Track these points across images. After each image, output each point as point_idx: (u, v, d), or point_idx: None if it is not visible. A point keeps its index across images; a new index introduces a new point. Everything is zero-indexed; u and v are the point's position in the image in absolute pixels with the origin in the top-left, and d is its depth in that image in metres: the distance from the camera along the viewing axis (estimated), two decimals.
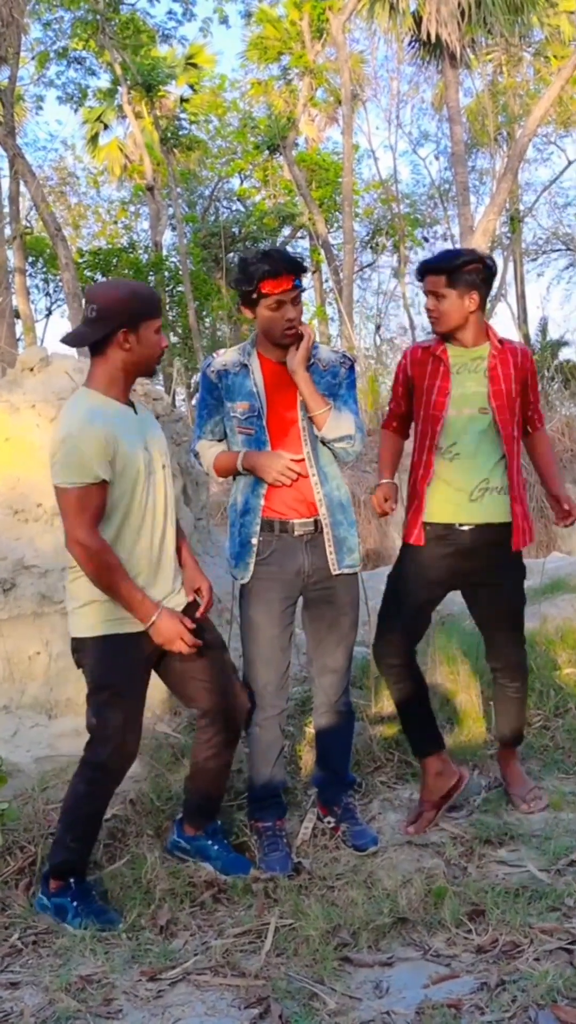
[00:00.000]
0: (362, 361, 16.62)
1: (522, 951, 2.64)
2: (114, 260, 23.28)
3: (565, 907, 2.87)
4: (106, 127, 24.88)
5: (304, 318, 3.39)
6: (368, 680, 4.53)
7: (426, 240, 26.79)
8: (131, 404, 3.07)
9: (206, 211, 26.82)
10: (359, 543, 3.49)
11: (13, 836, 3.35)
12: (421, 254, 25.57)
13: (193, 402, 14.93)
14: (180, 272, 23.37)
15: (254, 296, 3.22)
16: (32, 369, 4.72)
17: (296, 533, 3.33)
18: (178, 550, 3.22)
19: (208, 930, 2.97)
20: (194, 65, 24.08)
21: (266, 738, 3.42)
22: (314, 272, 24.19)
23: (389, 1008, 2.46)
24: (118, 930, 2.96)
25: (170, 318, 23.99)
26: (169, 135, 23.55)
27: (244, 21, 24.77)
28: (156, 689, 3.95)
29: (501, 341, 3.50)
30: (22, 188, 18.94)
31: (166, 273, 23.74)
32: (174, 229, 24.43)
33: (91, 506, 2.88)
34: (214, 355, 3.46)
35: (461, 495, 3.45)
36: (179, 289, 23.68)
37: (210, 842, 3.33)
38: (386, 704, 4.46)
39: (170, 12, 21.20)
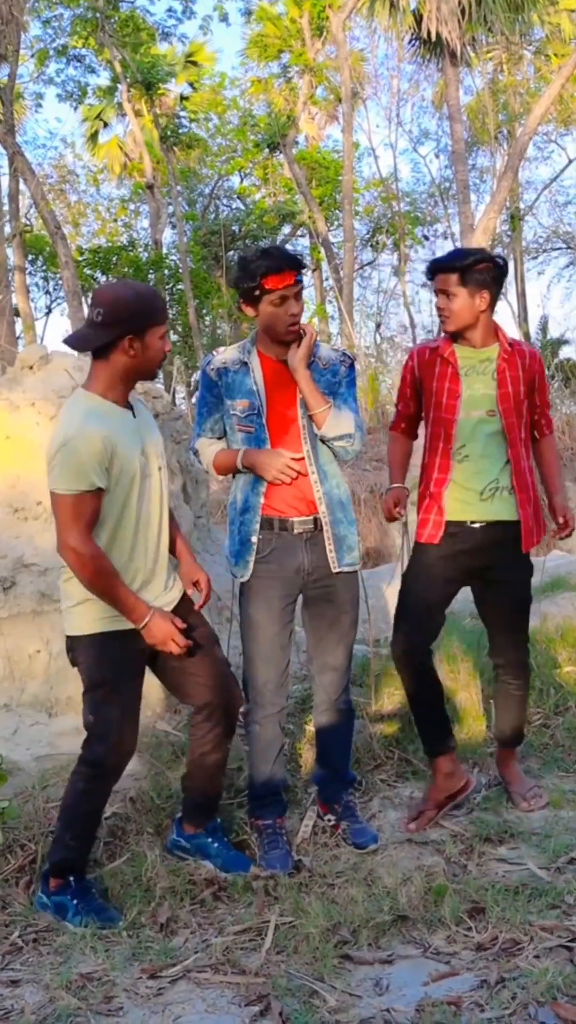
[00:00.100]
0: (362, 359, 16.63)
1: (522, 948, 2.64)
2: (114, 258, 23.28)
3: (565, 905, 2.88)
4: (106, 125, 24.87)
5: (304, 316, 3.39)
6: (368, 678, 4.53)
7: (426, 238, 26.81)
8: (129, 406, 3.05)
9: (206, 209, 26.82)
10: (359, 541, 3.49)
11: (13, 834, 3.35)
12: (421, 252, 25.62)
13: (193, 400, 14.92)
14: (180, 270, 23.37)
15: (257, 292, 3.21)
16: (32, 367, 4.72)
17: (296, 531, 3.33)
18: (173, 544, 3.22)
19: (208, 928, 2.98)
20: (194, 63, 24.07)
21: (266, 736, 3.42)
22: (314, 270, 24.18)
23: (389, 1005, 2.46)
24: (118, 928, 2.96)
25: (170, 316, 23.94)
26: (169, 133, 23.54)
27: (244, 19, 24.80)
28: (156, 687, 3.97)
29: (511, 344, 3.49)
30: (22, 186, 18.95)
31: (166, 271, 23.74)
32: (174, 227, 24.42)
33: (86, 513, 2.87)
34: (214, 353, 3.46)
35: (472, 494, 3.46)
36: (179, 287, 23.68)
37: (210, 840, 3.34)
38: (386, 702, 4.47)
39: (170, 10, 21.21)
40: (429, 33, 16.48)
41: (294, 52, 23.52)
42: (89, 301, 3.06)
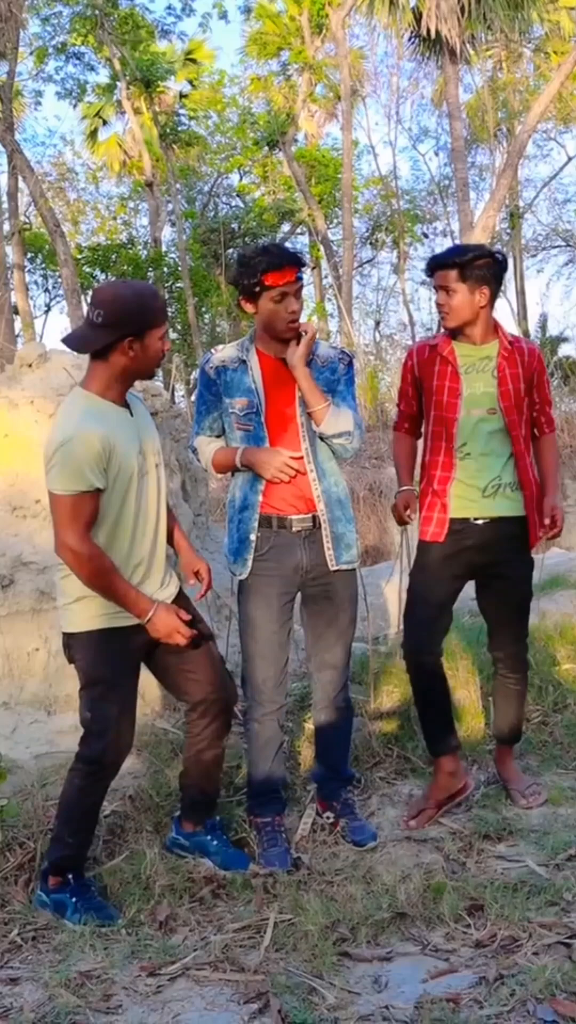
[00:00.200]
0: (361, 357, 16.61)
1: (521, 946, 2.65)
2: (113, 256, 23.26)
3: (564, 902, 2.88)
4: (105, 123, 24.84)
5: (303, 314, 3.39)
6: (367, 676, 4.54)
7: (425, 236, 26.77)
8: (126, 404, 3.05)
9: (205, 207, 26.77)
10: (357, 539, 3.49)
11: (12, 832, 3.35)
12: (420, 250, 25.59)
13: (192, 398, 14.92)
14: (179, 268, 23.35)
15: (257, 289, 3.21)
16: (31, 365, 4.72)
17: (294, 529, 3.33)
18: (170, 535, 3.22)
19: (207, 925, 2.98)
20: (193, 61, 24.05)
21: (265, 734, 3.42)
22: (313, 268, 24.15)
23: (388, 1002, 2.47)
24: (117, 926, 2.96)
25: (169, 314, 23.91)
26: (168, 131, 23.50)
27: (243, 16, 24.76)
28: (155, 685, 3.97)
29: (511, 341, 3.49)
30: (21, 184, 18.91)
31: (165, 269, 23.72)
32: (173, 225, 24.40)
33: (84, 513, 2.87)
34: (213, 351, 3.46)
35: (475, 491, 3.47)
36: (178, 285, 23.65)
37: (209, 837, 3.34)
38: (385, 700, 4.47)
39: (169, 7, 21.21)
40: (429, 31, 16.47)
41: (293, 50, 23.48)
42: (88, 300, 3.05)
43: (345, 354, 3.47)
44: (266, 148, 24.40)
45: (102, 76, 23.53)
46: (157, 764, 3.85)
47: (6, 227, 19.72)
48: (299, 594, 3.46)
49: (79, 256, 22.45)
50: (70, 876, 3.07)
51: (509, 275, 25.53)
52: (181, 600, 3.18)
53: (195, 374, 17.63)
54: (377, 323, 27.70)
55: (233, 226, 25.15)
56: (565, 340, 24.45)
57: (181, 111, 24.43)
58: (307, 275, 3.63)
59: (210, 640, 3.25)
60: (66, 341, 2.99)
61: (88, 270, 22.52)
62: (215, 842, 3.33)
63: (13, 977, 2.70)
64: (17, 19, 16.58)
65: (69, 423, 2.88)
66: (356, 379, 3.56)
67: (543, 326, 25.38)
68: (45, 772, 3.79)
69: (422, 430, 3.69)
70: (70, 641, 3.06)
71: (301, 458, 3.31)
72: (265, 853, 3.33)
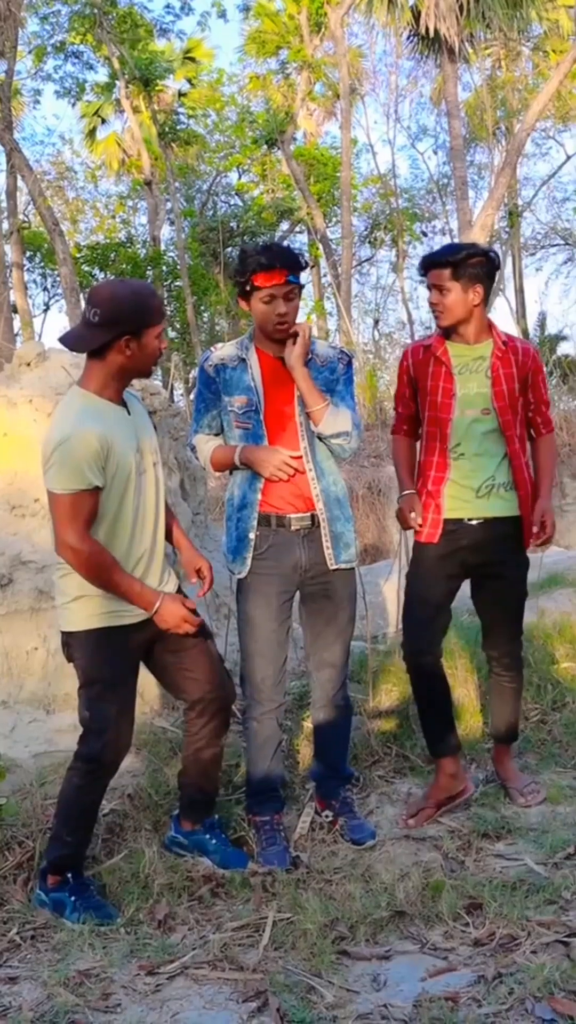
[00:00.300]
0: (360, 356, 16.62)
1: (519, 944, 2.65)
2: (112, 255, 23.24)
3: (562, 900, 2.88)
4: (104, 121, 24.84)
5: (302, 313, 3.39)
6: (366, 674, 4.54)
7: (424, 235, 26.76)
8: (123, 402, 3.04)
9: (204, 206, 26.76)
10: (356, 538, 3.49)
11: (11, 831, 3.35)
12: (420, 249, 25.55)
13: (191, 396, 14.93)
14: (178, 267, 23.34)
15: (248, 288, 3.22)
16: (29, 364, 4.72)
17: (293, 528, 3.33)
18: (169, 533, 3.22)
19: (206, 924, 2.98)
20: (192, 59, 24.04)
21: (264, 732, 3.42)
22: (312, 267, 24.14)
23: (387, 1001, 2.47)
24: (116, 925, 2.96)
25: (168, 313, 23.94)
26: (167, 129, 23.49)
27: (242, 15, 24.73)
28: (154, 683, 3.97)
29: (505, 342, 3.48)
30: (20, 183, 18.91)
31: (164, 268, 23.70)
32: (172, 224, 24.37)
33: (84, 512, 2.87)
34: (212, 349, 3.46)
35: (468, 491, 3.47)
36: (177, 284, 23.65)
37: (208, 836, 3.34)
38: (384, 698, 4.47)
39: (168, 6, 21.14)
40: (427, 29, 16.47)
41: (292, 48, 23.46)
42: (85, 299, 3.05)
43: (344, 354, 3.46)
44: (265, 147, 24.37)
45: (101, 75, 23.54)
46: (156, 763, 3.85)
47: (5, 226, 19.73)
48: (298, 593, 3.46)
49: (78, 255, 22.43)
50: (69, 875, 3.07)
51: (508, 274, 25.66)
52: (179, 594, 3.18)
53: (194, 372, 17.64)
54: (376, 322, 27.72)
55: (232, 225, 25.14)
56: (564, 339, 24.49)
57: (180, 110, 24.42)
58: (305, 275, 3.61)
59: (209, 639, 3.25)
60: (63, 340, 2.98)
61: (87, 269, 22.51)
62: (214, 841, 3.33)
63: (12, 976, 2.70)
64: (16, 18, 16.57)
65: (66, 422, 2.88)
66: (355, 378, 3.55)
67: (542, 324, 25.42)
68: (44, 771, 3.79)
69: (421, 431, 3.69)
70: (69, 640, 3.06)
71: (300, 457, 3.31)
72: (264, 852, 3.33)
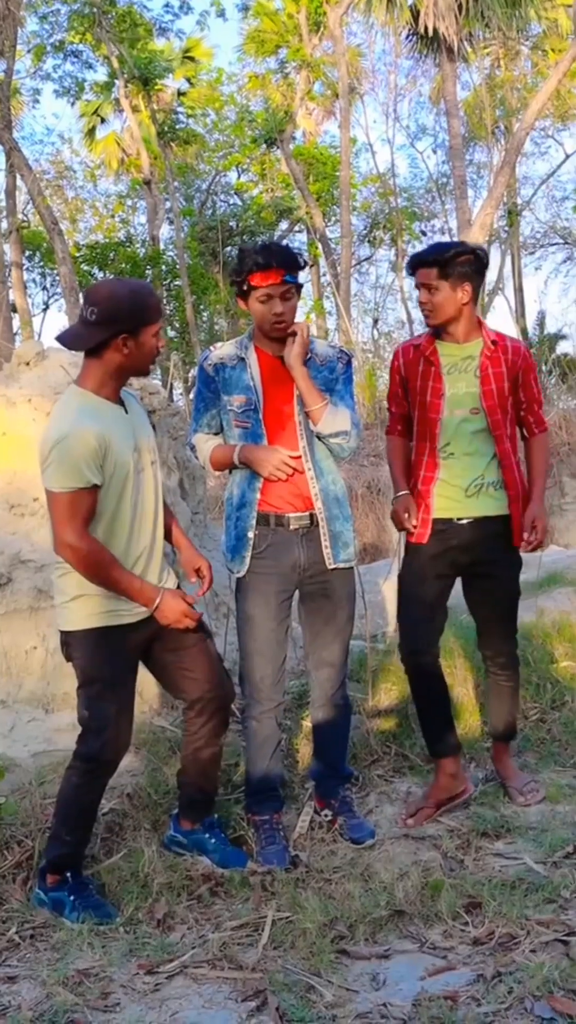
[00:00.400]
0: (359, 355, 16.62)
1: (518, 943, 2.65)
2: (111, 254, 23.24)
3: (561, 899, 2.88)
4: (103, 121, 24.83)
5: (301, 312, 3.39)
6: (365, 674, 4.54)
7: (424, 234, 26.75)
8: (121, 401, 3.04)
9: (203, 205, 26.76)
10: (355, 537, 3.49)
11: (10, 831, 3.35)
12: (419, 248, 25.50)
13: (190, 396, 14.91)
14: (177, 266, 23.34)
15: (245, 288, 3.23)
16: (28, 363, 4.72)
17: (292, 527, 3.33)
18: (168, 533, 3.22)
19: (205, 923, 2.98)
20: (191, 58, 24.04)
21: (263, 732, 3.42)
22: (311, 266, 24.14)
23: (386, 1000, 2.47)
24: (115, 924, 2.96)
25: (167, 312, 23.95)
26: (166, 129, 23.49)
27: (241, 14, 24.71)
28: (153, 683, 3.97)
29: (495, 341, 3.47)
30: (19, 182, 18.90)
31: (163, 267, 23.70)
32: (171, 223, 24.37)
33: (82, 510, 2.86)
34: (211, 348, 3.46)
35: (458, 491, 3.47)
36: (176, 283, 23.65)
37: (207, 835, 3.34)
38: (383, 698, 4.47)
39: (167, 5, 20.97)
40: (426, 28, 16.49)
41: (291, 48, 23.46)
42: (83, 297, 3.05)
43: (344, 353, 3.46)
44: (264, 146, 24.37)
45: (100, 74, 23.54)
46: (155, 762, 3.85)
47: (4, 225, 19.73)
48: (297, 592, 3.46)
49: (77, 254, 22.43)
50: (68, 874, 3.06)
51: (507, 273, 25.68)
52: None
53: (193, 372, 17.65)
54: (375, 321, 27.74)
55: (231, 224, 25.15)
56: (563, 337, 24.48)
57: (179, 109, 24.42)
58: (304, 274, 3.60)
59: (208, 638, 3.25)
60: (60, 339, 2.98)
61: (86, 268, 22.51)
62: (213, 840, 3.33)
63: (11, 975, 2.70)
64: (15, 17, 16.56)
65: (64, 421, 2.88)
66: (354, 377, 3.55)
67: (541, 324, 25.42)
68: (43, 770, 3.78)
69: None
70: (68, 639, 3.06)
71: (299, 456, 3.31)
72: (263, 851, 3.33)
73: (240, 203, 26.79)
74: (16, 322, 21.12)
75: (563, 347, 23.16)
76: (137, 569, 3.03)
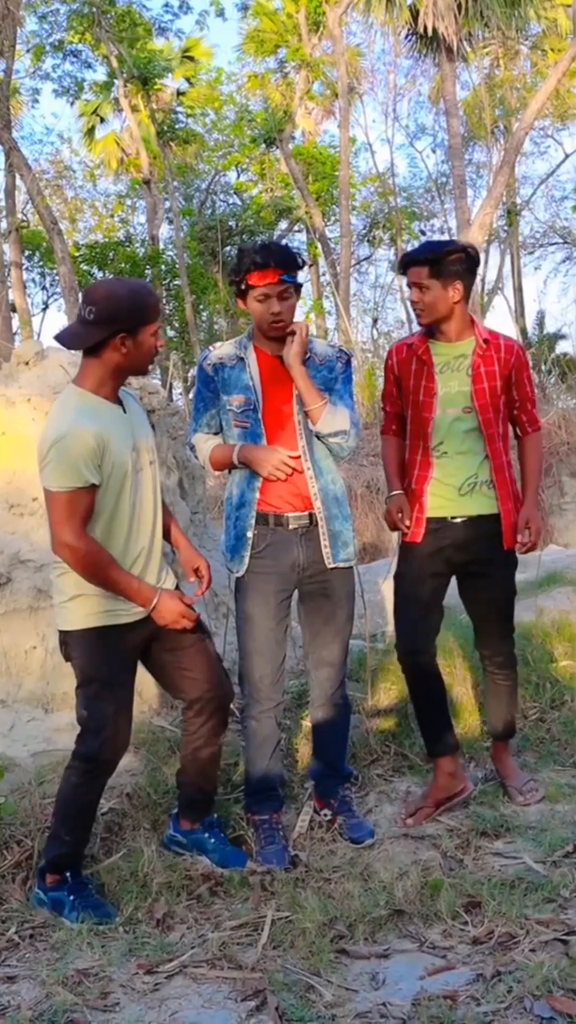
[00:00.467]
0: (359, 355, 16.62)
1: (518, 942, 2.65)
2: (111, 254, 23.24)
3: (561, 898, 2.88)
4: (102, 120, 24.83)
5: (301, 312, 3.39)
6: (365, 673, 4.54)
7: (423, 233, 26.73)
8: (119, 401, 3.04)
9: (203, 205, 26.76)
10: (354, 537, 3.49)
11: (10, 830, 3.35)
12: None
13: (190, 395, 14.91)
14: (177, 266, 23.34)
15: (243, 287, 3.23)
16: (28, 363, 4.71)
17: (291, 527, 3.33)
18: (167, 532, 3.22)
19: (205, 923, 2.98)
20: (190, 58, 24.04)
21: (262, 731, 3.42)
22: (311, 266, 24.15)
23: (385, 1000, 2.47)
24: (115, 923, 2.96)
25: (167, 312, 23.95)
26: (165, 128, 23.49)
27: (240, 14, 24.74)
28: (152, 683, 3.96)
29: (487, 340, 3.47)
30: (18, 182, 18.90)
31: (163, 267, 23.71)
32: (171, 223, 24.37)
33: (80, 509, 2.86)
34: (211, 348, 3.46)
35: (451, 490, 3.47)
36: (176, 283, 23.65)
37: (207, 835, 3.34)
38: (382, 697, 4.47)
39: (166, 5, 20.98)
40: (426, 28, 16.49)
41: (291, 47, 23.46)
42: (81, 296, 3.05)
43: (343, 352, 3.46)
44: (263, 145, 24.38)
45: (99, 74, 23.56)
46: (154, 762, 3.85)
47: (3, 225, 19.73)
48: (296, 591, 3.46)
49: (76, 254, 22.44)
50: (68, 874, 3.06)
51: (507, 272, 25.66)
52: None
53: (192, 371, 17.64)
54: (375, 320, 27.74)
55: (230, 223, 25.15)
56: (563, 337, 24.46)
57: (178, 108, 24.42)
58: (303, 274, 3.60)
59: (207, 638, 3.25)
60: (59, 338, 2.98)
61: (86, 268, 22.51)
62: (213, 840, 3.33)
63: (10, 975, 2.70)
64: (14, 16, 16.55)
65: (63, 420, 2.87)
66: (354, 377, 3.55)
67: (540, 323, 25.40)
68: (42, 770, 3.78)
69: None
70: (66, 639, 3.06)
71: (298, 456, 3.31)
72: (263, 851, 3.33)
73: (239, 203, 26.79)
74: (15, 322, 21.13)
75: (562, 347, 23.15)
76: (136, 569, 3.03)
